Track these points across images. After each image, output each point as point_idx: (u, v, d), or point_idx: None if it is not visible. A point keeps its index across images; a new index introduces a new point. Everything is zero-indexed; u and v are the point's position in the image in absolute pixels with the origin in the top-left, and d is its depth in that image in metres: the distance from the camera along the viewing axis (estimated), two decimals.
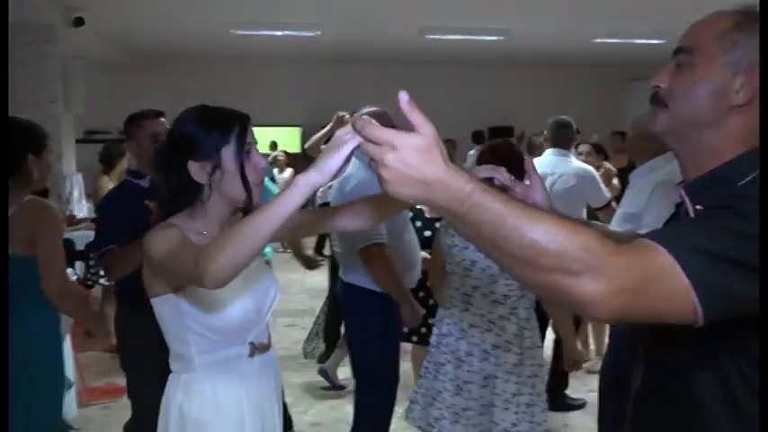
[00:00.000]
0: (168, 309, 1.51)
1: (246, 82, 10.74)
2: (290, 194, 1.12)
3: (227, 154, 1.46)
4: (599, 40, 8.96)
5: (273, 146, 10.39)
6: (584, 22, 7.50)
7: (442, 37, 8.49)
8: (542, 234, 0.81)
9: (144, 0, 6.47)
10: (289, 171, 9.12)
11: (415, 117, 0.83)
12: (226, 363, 1.55)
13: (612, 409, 2.49)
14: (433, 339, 2.51)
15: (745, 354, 0.98)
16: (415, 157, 0.82)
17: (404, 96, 0.83)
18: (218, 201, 1.49)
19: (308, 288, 6.71)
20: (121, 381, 3.07)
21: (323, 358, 4.37)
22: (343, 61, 10.71)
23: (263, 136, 8.84)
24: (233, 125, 1.47)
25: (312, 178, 1.09)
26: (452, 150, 7.11)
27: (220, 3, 6.53)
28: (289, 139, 11.26)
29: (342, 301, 2.93)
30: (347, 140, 1.02)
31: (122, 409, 3.29)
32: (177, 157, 1.46)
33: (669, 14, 5.61)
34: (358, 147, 0.96)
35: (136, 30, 8.10)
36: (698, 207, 1.03)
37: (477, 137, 10.37)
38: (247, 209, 1.50)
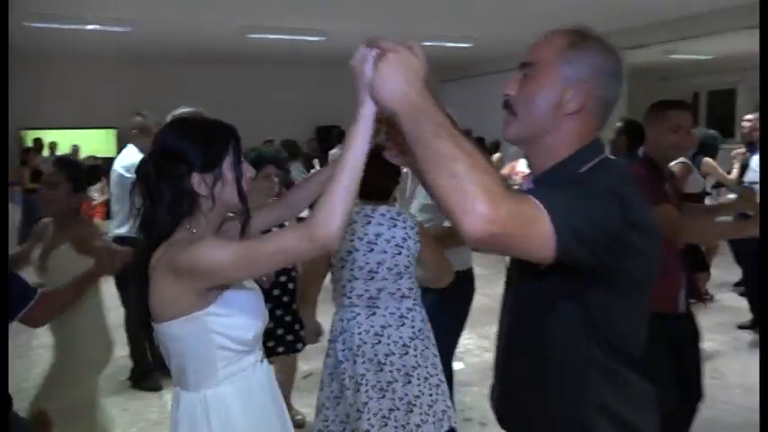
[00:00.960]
0: (193, 328, 1.47)
1: (41, 80, 9.99)
2: (360, 129, 1.20)
3: (227, 166, 1.49)
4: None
5: (75, 151, 9.81)
6: (399, 25, 8.48)
7: (265, 36, 8.68)
8: (470, 150, 1.01)
9: None
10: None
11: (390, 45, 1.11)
12: (245, 371, 1.57)
13: None
14: (340, 356, 2.41)
15: (586, 304, 1.20)
16: (410, 66, 1.08)
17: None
18: (216, 210, 1.51)
19: None
20: None
21: None
22: (158, 60, 10.24)
23: (63, 139, 10.81)
24: (229, 138, 1.51)
25: (369, 106, 1.17)
26: (296, 150, 7.15)
27: None
28: (102, 142, 10.51)
29: None
30: (364, 60, 1.13)
31: None
32: (174, 172, 1.45)
33: (479, 21, 7.77)
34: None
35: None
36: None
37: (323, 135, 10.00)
38: (241, 215, 1.59)
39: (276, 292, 3.10)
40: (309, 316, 2.74)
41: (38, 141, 10.17)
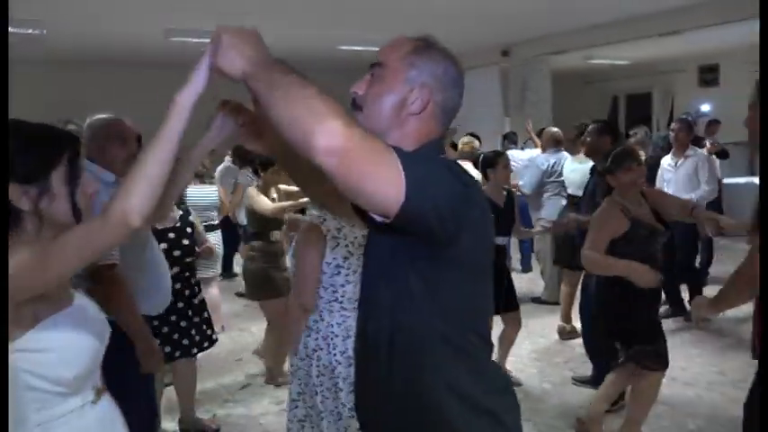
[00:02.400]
0: None
1: None
2: (171, 115, 1.19)
3: (58, 178, 1.29)
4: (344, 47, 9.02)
5: None
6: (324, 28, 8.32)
7: (188, 40, 8.41)
8: (320, 86, 1.08)
9: None
10: None
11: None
12: (65, 417, 1.31)
13: None
14: (333, 360, 2.46)
15: (426, 276, 1.24)
16: (241, 36, 1.19)
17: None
18: (46, 229, 1.30)
19: None
20: None
21: None
22: (74, 63, 9.70)
23: None
24: (63, 146, 1.32)
25: (191, 90, 1.20)
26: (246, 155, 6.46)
27: None
28: None
29: None
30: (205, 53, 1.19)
31: None
32: None
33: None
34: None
35: None
36: None
37: None
38: None
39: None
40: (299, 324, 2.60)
41: None
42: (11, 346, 1.24)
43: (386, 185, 1.07)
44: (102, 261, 2.14)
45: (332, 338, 2.50)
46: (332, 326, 2.50)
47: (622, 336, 3.11)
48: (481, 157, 4.39)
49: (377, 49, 1.37)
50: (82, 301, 1.42)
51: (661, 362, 3.10)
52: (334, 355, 2.49)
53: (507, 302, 4.06)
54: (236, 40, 1.17)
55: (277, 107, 1.09)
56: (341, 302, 2.51)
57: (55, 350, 1.28)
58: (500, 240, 3.96)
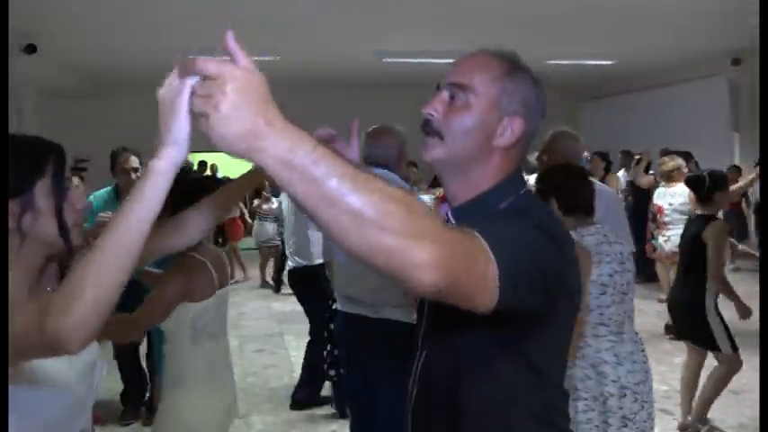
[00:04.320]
0: None
1: None
2: (149, 185, 0.89)
3: (41, 192, 1.17)
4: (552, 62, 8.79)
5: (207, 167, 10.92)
6: (531, 44, 7.85)
7: (399, 60, 8.86)
8: (392, 195, 0.79)
9: (97, 28, 6.54)
10: None
11: (242, 57, 0.78)
12: None
13: None
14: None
15: (525, 353, 1.13)
16: (255, 89, 0.75)
17: (230, 36, 0.80)
18: (31, 246, 1.17)
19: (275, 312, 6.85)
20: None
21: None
22: (302, 85, 10.10)
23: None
24: (47, 157, 1.18)
25: (171, 156, 0.87)
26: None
27: (175, 28, 6.51)
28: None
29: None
30: (178, 92, 0.81)
31: None
32: None
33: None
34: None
35: (91, 58, 8.30)
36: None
37: None
38: (63, 255, 1.27)
39: None
40: None
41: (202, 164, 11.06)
42: None
43: (479, 291, 0.91)
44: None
45: (601, 366, 2.29)
46: (600, 352, 2.31)
47: None
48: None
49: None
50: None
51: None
52: (605, 385, 2.28)
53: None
54: (238, 104, 0.74)
55: (328, 211, 0.78)
56: (608, 326, 2.32)
57: (26, 401, 1.16)
58: None
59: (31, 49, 6.50)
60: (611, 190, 3.62)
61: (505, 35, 6.99)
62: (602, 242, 2.31)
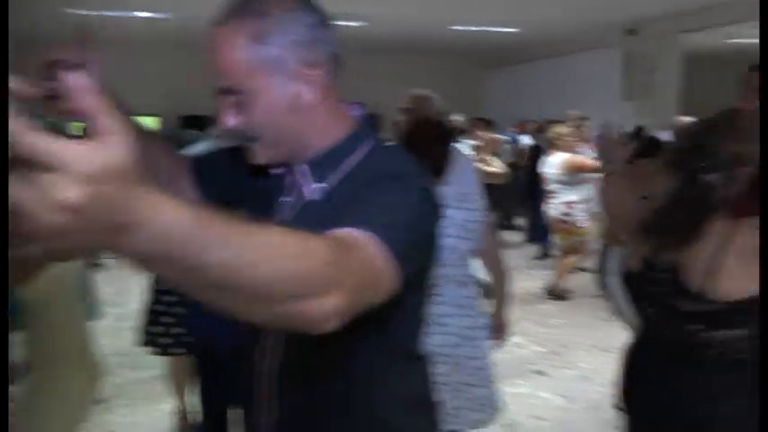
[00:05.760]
0: None
1: None
2: None
3: None
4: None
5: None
6: (439, 10, 8.18)
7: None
8: (283, 261, 0.67)
9: None
10: None
11: (105, 119, 0.51)
12: None
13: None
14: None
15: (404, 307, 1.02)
16: (112, 184, 0.49)
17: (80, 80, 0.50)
18: None
19: None
20: None
21: None
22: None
23: None
24: None
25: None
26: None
27: None
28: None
29: None
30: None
31: None
32: None
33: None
34: None
35: None
36: (323, 185, 1.06)
37: None
38: None
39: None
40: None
41: None
42: None
43: (383, 291, 0.86)
44: None
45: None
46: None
47: None
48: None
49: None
50: None
51: None
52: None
53: None
54: (95, 207, 0.49)
55: (213, 294, 0.67)
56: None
57: None
58: None
59: None
60: (466, 154, 3.61)
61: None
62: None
